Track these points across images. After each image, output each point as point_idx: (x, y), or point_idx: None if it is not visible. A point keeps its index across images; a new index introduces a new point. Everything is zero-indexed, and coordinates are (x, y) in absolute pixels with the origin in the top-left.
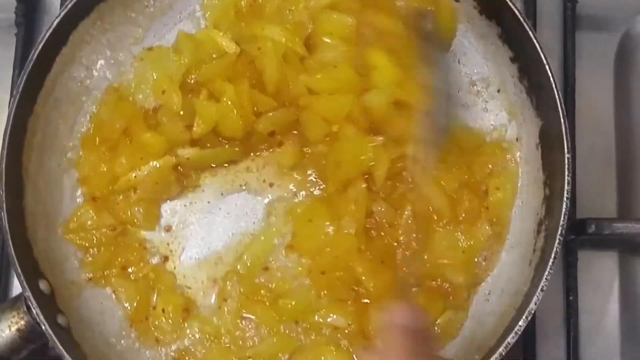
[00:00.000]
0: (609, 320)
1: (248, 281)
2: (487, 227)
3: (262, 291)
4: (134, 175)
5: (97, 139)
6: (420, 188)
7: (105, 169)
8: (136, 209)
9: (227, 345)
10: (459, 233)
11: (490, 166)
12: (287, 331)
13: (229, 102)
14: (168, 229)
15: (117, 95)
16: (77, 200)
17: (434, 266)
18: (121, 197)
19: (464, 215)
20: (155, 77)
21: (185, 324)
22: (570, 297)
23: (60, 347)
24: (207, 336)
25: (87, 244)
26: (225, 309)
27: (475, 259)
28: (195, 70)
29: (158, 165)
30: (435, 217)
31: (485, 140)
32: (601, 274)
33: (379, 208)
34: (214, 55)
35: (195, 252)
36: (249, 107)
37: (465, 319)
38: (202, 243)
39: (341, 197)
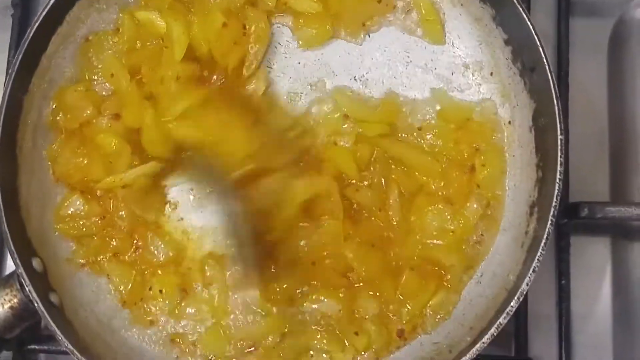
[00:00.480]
0: (601, 305)
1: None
2: (475, 206)
3: None
4: (109, 179)
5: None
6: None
7: (82, 165)
8: (121, 213)
9: (220, 326)
10: (448, 213)
11: (477, 143)
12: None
13: (150, 123)
14: None
15: (89, 86)
16: None
17: (425, 248)
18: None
19: (452, 192)
20: (101, 63)
21: (183, 304)
22: (563, 281)
23: (53, 325)
24: (204, 316)
25: (77, 234)
26: (213, 292)
27: (468, 241)
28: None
29: (134, 175)
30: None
31: (472, 115)
32: (594, 259)
33: (367, 194)
34: (151, 40)
35: (185, 233)
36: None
37: (458, 301)
38: (192, 225)
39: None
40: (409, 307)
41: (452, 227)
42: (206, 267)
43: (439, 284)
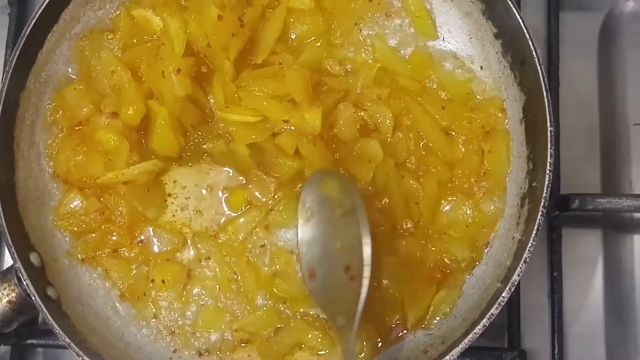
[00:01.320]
0: (593, 297)
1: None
2: (492, 207)
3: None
4: (110, 175)
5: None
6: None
7: (82, 162)
8: (120, 209)
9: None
10: (466, 206)
11: (486, 125)
12: (275, 306)
13: (163, 122)
14: None
15: (88, 84)
16: None
17: (440, 240)
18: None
19: (464, 180)
20: (100, 60)
21: (189, 287)
22: (555, 273)
23: (50, 318)
24: (210, 294)
25: (76, 229)
26: (214, 265)
27: (479, 234)
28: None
29: (136, 172)
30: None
31: (471, 89)
32: (585, 252)
33: (411, 182)
34: (146, 37)
35: (185, 225)
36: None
37: (459, 298)
38: (190, 211)
39: None
40: (414, 311)
41: (469, 220)
42: (198, 245)
43: (441, 284)
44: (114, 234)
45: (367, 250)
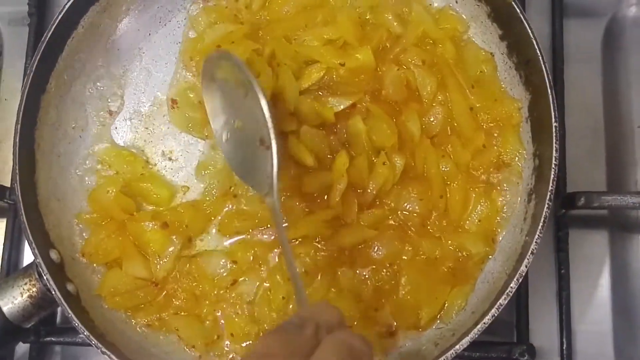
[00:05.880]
0: (600, 295)
1: None
2: (504, 201)
3: None
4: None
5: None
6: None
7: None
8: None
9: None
10: (482, 200)
11: (500, 121)
12: None
13: None
14: None
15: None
16: (87, 180)
17: (455, 235)
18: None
19: (484, 164)
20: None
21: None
22: (562, 271)
23: (70, 312)
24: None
25: (133, 305)
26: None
27: (492, 228)
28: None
29: None
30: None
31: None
32: (593, 251)
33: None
34: None
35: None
36: None
37: (472, 292)
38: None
39: None
40: (428, 309)
41: (482, 214)
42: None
43: (454, 282)
44: (179, 299)
45: (266, 113)
